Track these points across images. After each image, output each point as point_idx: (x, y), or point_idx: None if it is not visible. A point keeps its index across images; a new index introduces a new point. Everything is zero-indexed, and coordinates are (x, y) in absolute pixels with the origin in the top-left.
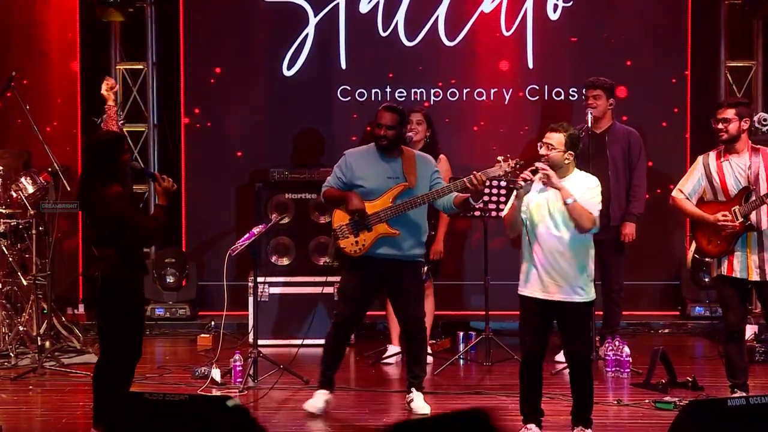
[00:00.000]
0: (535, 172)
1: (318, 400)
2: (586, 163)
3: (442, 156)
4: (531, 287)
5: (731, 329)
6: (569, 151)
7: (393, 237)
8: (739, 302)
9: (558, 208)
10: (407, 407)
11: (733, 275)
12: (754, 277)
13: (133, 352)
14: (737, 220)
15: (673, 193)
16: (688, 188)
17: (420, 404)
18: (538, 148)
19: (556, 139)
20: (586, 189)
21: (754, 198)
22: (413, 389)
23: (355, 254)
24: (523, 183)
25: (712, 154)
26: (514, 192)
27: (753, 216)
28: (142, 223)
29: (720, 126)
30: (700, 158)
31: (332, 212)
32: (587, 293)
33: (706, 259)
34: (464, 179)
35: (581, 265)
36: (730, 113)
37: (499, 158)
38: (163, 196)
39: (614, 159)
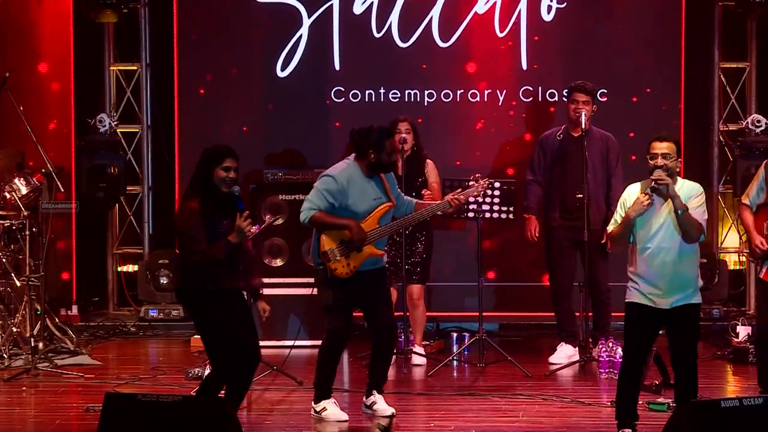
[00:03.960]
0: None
1: (335, 411)
2: (571, 166)
3: (430, 161)
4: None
5: (760, 332)
6: (679, 158)
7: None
8: None
9: (664, 218)
10: (369, 410)
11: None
12: None
13: (236, 359)
14: None
15: (741, 199)
16: (751, 194)
17: (385, 406)
18: (650, 160)
19: (669, 147)
20: (692, 197)
21: None
22: (375, 392)
23: (346, 276)
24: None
25: None
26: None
27: None
28: (190, 248)
29: None
30: (764, 163)
31: (319, 234)
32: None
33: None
34: (447, 201)
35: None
36: None
37: (472, 178)
38: (234, 233)
39: (593, 163)
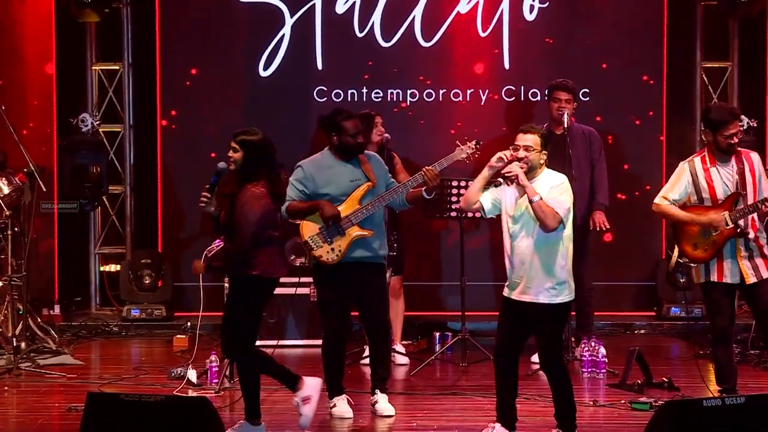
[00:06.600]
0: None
1: (342, 408)
2: (554, 163)
3: (394, 154)
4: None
5: (720, 333)
6: (543, 151)
7: (365, 238)
8: (729, 307)
9: (522, 210)
10: (372, 409)
11: (724, 281)
12: (751, 279)
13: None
14: (728, 225)
15: (656, 200)
16: (674, 195)
17: (385, 406)
18: (511, 150)
19: (532, 139)
20: (551, 187)
21: (742, 204)
22: (378, 391)
23: (333, 261)
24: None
25: (698, 160)
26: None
27: (742, 222)
28: (243, 231)
29: (735, 140)
30: (684, 164)
31: (298, 226)
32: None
33: (692, 265)
34: (419, 173)
35: (548, 267)
36: (739, 124)
37: (458, 142)
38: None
39: (578, 158)
